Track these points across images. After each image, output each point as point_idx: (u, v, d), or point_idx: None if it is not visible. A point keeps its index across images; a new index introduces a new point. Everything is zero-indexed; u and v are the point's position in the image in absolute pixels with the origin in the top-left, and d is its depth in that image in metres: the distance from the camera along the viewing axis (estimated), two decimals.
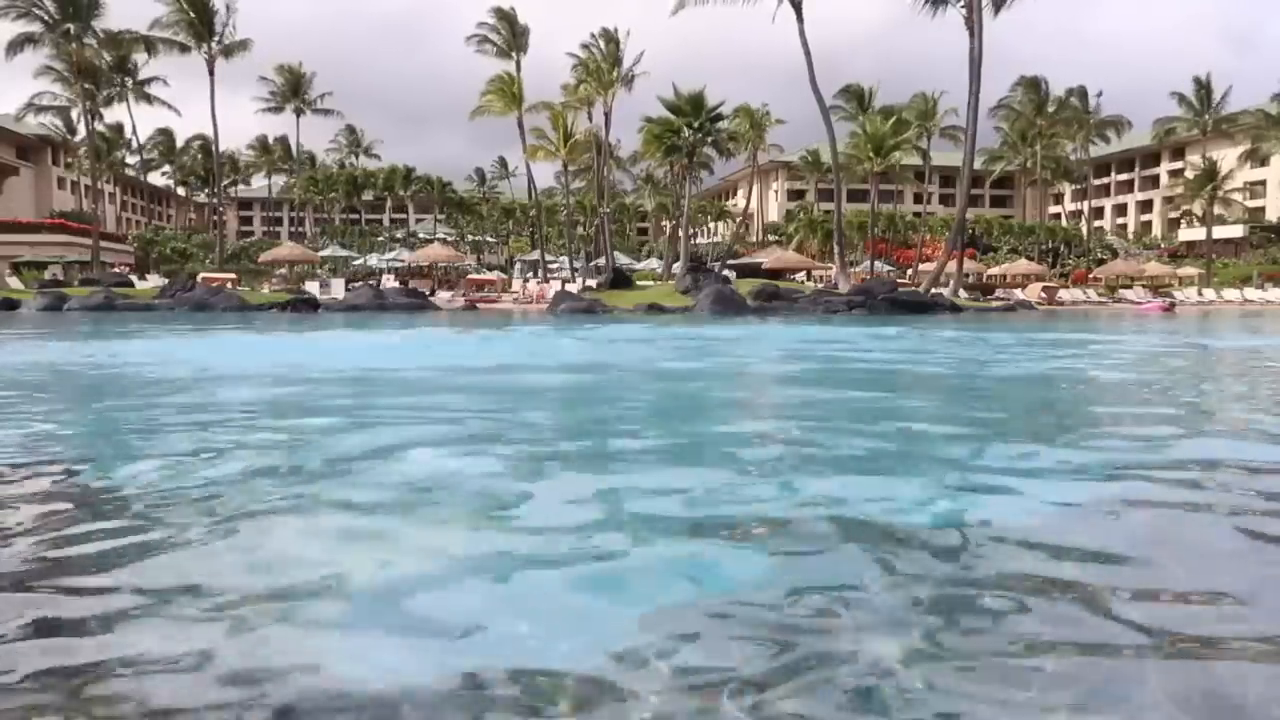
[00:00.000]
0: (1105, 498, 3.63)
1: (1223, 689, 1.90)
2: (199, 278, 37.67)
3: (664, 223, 72.75)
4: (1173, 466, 4.32)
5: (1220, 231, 63.01)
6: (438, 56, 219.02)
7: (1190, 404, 7.48)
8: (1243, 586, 2.51)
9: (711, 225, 79.40)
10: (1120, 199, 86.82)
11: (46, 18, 43.45)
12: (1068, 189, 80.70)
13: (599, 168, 52.00)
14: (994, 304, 40.31)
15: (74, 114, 55.69)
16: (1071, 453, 4.69)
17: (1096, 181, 79.26)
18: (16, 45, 43.58)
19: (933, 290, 35.72)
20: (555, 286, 41.13)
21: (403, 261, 49.27)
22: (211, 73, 47.96)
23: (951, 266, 40.57)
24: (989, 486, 3.90)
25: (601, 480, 4.05)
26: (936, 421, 6.27)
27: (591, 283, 41.86)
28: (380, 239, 68.74)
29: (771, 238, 71.36)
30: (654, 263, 59.66)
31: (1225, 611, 2.36)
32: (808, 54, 36.77)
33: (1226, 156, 61.23)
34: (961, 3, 35.65)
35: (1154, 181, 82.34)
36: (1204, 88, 63.07)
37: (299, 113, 69.06)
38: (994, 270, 55.03)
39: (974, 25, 34.46)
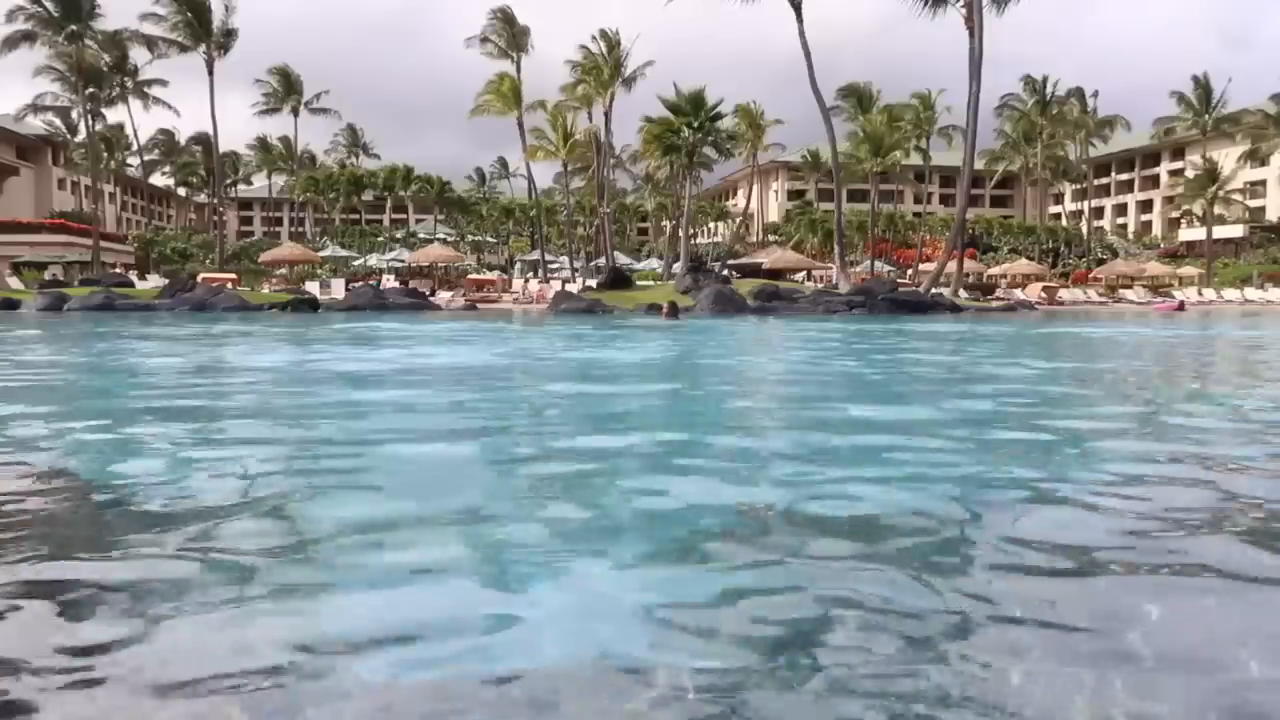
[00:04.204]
0: None
1: None
2: (199, 278, 37.60)
3: (664, 223, 72.68)
4: None
5: (1220, 231, 62.98)
6: (437, 56, 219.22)
7: None
8: None
9: (711, 225, 79.37)
10: (1120, 199, 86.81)
11: (45, 16, 43.41)
12: (1068, 189, 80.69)
13: (599, 168, 51.95)
14: (994, 304, 40.27)
15: (74, 114, 55.68)
16: None
17: (1096, 181, 79.24)
18: (13, 43, 43.56)
19: (933, 290, 35.70)
20: (555, 286, 41.09)
21: (403, 261, 49.24)
22: (210, 73, 47.92)
23: (951, 266, 40.54)
24: None
25: None
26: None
27: (591, 283, 41.82)
28: (380, 239, 68.69)
29: (771, 238, 71.32)
30: (654, 263, 59.60)
31: None
32: (808, 54, 36.74)
33: (1227, 156, 61.19)
34: (961, 2, 35.63)
35: (1154, 181, 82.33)
36: (1203, 87, 63.00)
37: (296, 113, 69.00)
38: (994, 270, 54.95)
39: (974, 25, 34.43)
